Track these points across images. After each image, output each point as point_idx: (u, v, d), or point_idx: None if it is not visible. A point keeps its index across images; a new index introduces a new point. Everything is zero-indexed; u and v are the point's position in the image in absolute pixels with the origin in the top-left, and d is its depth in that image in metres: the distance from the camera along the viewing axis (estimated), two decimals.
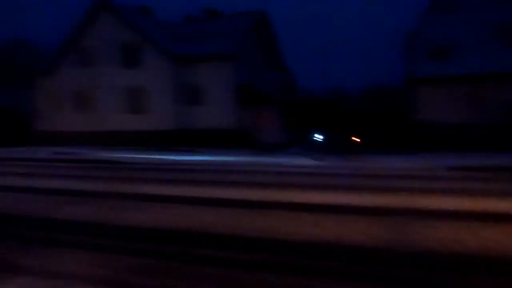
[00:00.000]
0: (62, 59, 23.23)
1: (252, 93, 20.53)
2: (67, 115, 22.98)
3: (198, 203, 6.26)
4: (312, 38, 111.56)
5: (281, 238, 4.23)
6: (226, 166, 12.32)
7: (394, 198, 6.40)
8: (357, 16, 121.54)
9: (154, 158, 14.63)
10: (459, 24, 19.17)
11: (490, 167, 10.55)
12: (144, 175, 10.02)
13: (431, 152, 16.00)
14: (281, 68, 26.81)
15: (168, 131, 20.16)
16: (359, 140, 14.30)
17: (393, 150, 17.33)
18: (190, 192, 7.27)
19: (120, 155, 15.47)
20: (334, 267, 3.40)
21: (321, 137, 18.30)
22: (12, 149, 20.34)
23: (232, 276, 3.19)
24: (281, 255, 3.75)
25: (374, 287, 2.97)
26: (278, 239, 4.18)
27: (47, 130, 22.01)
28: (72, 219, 5.33)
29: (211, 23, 24.36)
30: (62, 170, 11.46)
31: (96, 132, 22.01)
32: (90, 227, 4.93)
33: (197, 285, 3.05)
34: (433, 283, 3.03)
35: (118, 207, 6.00)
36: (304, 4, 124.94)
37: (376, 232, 4.37)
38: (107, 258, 3.70)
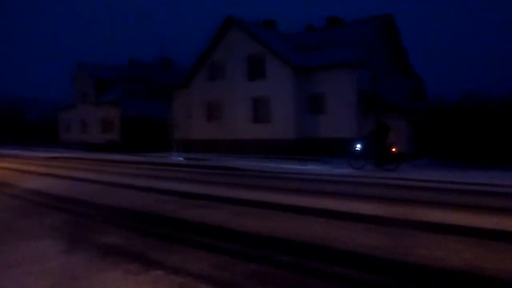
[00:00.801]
0: (195, 73, 25.62)
1: (375, 101, 19.68)
2: (198, 125, 25.21)
3: (332, 216, 6.20)
4: (441, 40, 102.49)
5: (411, 260, 3.91)
6: (344, 177, 11.98)
7: None
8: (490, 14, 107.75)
9: (275, 166, 15.07)
10: None
11: None
12: (266, 183, 10.35)
13: None
14: (407, 73, 25.17)
15: (289, 140, 20.55)
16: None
17: None
18: (314, 203, 7.25)
19: (244, 163, 16.33)
20: None
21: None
22: (152, 154, 23.17)
23: None
24: (417, 282, 3.46)
25: None
26: (407, 262, 3.88)
27: (182, 138, 24.43)
28: (198, 220, 5.78)
29: (333, 32, 24.19)
30: (192, 175, 12.55)
31: (223, 141, 23.64)
32: (215, 230, 5.28)
33: None
34: None
35: (242, 213, 6.30)
36: (431, 3, 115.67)
37: None
38: (227, 261, 3.91)
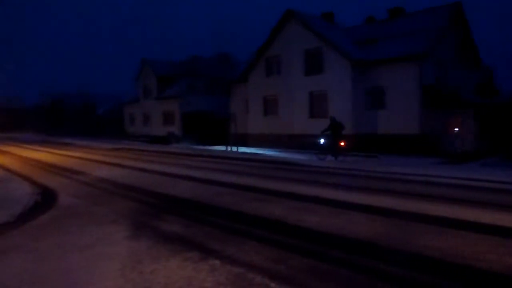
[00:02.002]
0: (252, 68, 25.88)
1: (440, 95, 18.64)
2: (255, 119, 25.50)
3: (370, 211, 6.07)
4: None
5: (481, 266, 3.74)
6: (409, 176, 11.54)
7: None
8: None
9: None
10: None
11: None
12: (323, 179, 10.25)
13: None
14: (476, 65, 23.53)
15: (347, 136, 20.16)
16: None
17: None
18: (369, 200, 7.10)
19: (301, 158, 16.30)
20: None
21: None
22: (211, 147, 23.85)
23: None
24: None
25: None
26: (466, 266, 3.71)
27: (240, 132, 24.89)
28: (257, 214, 5.90)
29: (396, 23, 23.23)
30: (250, 169, 12.75)
31: (279, 135, 23.73)
32: (272, 223, 5.37)
33: None
34: None
35: (301, 209, 6.33)
36: None
37: None
38: (283, 255, 3.98)
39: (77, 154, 19.00)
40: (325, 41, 21.35)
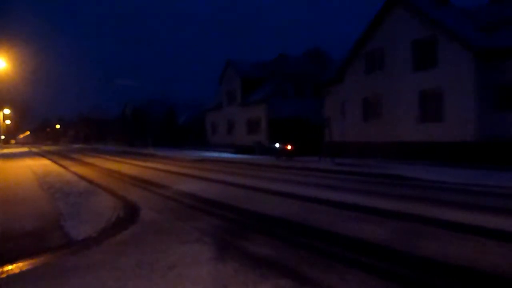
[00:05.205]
0: (349, 65, 25.38)
1: None
2: (353, 125, 24.87)
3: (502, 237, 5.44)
4: None
5: None
6: None
7: None
8: None
9: (451, 175, 13.82)
10: None
11: None
12: (441, 197, 9.58)
13: None
14: None
15: (467, 143, 18.66)
16: None
17: None
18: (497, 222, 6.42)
19: (410, 170, 15.43)
20: None
21: None
22: (302, 158, 23.79)
23: None
24: None
25: None
26: None
27: (335, 140, 24.47)
28: (357, 236, 5.64)
29: None
30: (348, 183, 12.40)
31: (382, 143, 22.81)
32: (377, 249, 5.08)
33: None
34: None
35: (410, 232, 5.96)
36: None
37: None
38: None
39: (159, 165, 20.26)
40: (439, 27, 20.12)
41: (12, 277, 4.33)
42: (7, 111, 62.41)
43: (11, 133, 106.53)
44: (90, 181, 13.36)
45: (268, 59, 42.72)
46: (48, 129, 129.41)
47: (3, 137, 66.71)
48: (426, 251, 4.88)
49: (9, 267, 4.62)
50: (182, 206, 8.54)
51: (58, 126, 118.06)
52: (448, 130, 19.53)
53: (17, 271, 4.52)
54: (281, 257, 4.77)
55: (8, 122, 76.64)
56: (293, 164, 19.54)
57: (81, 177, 14.77)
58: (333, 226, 6.27)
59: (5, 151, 47.55)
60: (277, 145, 25.77)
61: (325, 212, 7.46)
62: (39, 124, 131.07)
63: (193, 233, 6.05)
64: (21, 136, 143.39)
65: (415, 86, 21.28)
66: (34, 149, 54.97)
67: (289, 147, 24.92)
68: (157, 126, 57.38)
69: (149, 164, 21.45)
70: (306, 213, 7.36)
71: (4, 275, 4.37)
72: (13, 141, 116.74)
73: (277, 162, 21.04)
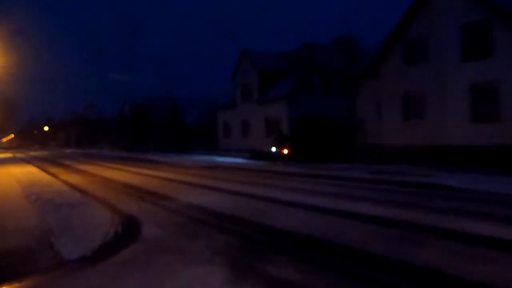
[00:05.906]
0: (385, 56, 25.20)
1: None
2: (391, 125, 24.65)
3: None
4: None
5: None
6: None
7: None
8: None
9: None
10: None
11: None
12: (495, 211, 9.45)
13: None
14: None
15: None
16: None
17: None
18: None
19: (460, 179, 15.22)
20: None
21: None
22: (331, 165, 23.63)
23: None
24: None
25: None
26: None
27: (369, 143, 24.32)
28: (399, 259, 5.57)
29: None
30: (384, 194, 12.28)
31: (426, 147, 22.55)
32: (424, 273, 5.02)
33: None
34: None
35: (462, 254, 5.89)
36: None
37: None
38: None
39: (163, 173, 20.38)
40: (493, 9, 19.86)
41: None
42: None
43: None
44: (83, 192, 13.51)
45: (289, 49, 42.21)
46: (36, 132, 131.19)
47: None
48: (482, 276, 4.81)
49: None
50: (191, 221, 8.56)
51: (46, 128, 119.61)
52: (507, 131, 19.23)
53: None
54: (308, 282, 4.74)
55: None
56: (321, 171, 19.45)
57: (73, 187, 14.95)
58: (371, 246, 6.21)
59: None
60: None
61: (357, 229, 7.41)
62: (25, 125, 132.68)
63: (204, 252, 6.06)
64: (4, 140, 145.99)
65: (465, 80, 21.02)
66: (19, 155, 55.92)
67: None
68: (161, 127, 57.70)
69: (151, 172, 21.61)
70: (338, 230, 7.31)
71: None
72: None
73: (302, 169, 20.97)
